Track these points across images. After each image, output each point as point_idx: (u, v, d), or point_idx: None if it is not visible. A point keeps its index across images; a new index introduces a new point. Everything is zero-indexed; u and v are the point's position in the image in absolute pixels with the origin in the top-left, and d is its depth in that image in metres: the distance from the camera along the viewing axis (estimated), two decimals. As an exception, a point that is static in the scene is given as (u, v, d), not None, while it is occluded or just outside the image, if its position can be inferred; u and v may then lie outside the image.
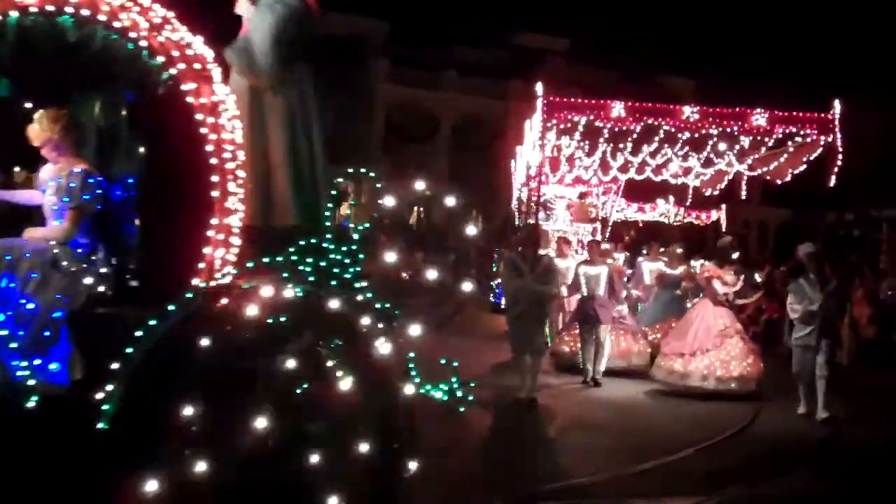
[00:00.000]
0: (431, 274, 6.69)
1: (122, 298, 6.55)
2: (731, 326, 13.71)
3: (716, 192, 18.34)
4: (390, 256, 7.22)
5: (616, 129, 13.95)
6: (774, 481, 9.00)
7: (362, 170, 7.73)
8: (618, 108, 13.61)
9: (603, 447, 10.08)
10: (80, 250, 6.39)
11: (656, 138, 14.36)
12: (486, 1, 54.52)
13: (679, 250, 16.95)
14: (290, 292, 5.86)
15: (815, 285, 12.15)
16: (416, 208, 54.15)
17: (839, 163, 13.62)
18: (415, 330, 6.77)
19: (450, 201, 8.09)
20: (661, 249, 17.38)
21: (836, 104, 13.57)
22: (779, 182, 15.74)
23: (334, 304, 5.92)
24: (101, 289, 6.44)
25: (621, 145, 14.99)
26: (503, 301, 15.17)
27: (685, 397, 13.20)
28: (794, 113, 13.93)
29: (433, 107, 51.35)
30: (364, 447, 5.63)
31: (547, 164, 16.87)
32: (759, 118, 13.79)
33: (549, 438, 10.64)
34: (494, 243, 25.96)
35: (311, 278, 6.24)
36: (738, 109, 13.84)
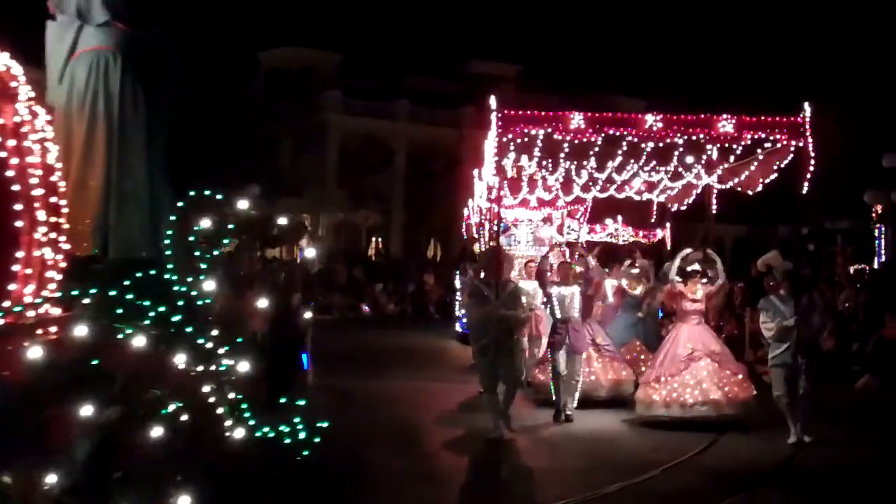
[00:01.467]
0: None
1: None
2: (702, 350, 12.46)
3: (683, 207, 17.69)
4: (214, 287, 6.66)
5: (576, 142, 13.09)
6: (740, 498, 8.98)
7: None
8: (577, 119, 12.73)
9: (571, 471, 9.99)
10: None
11: (619, 151, 13.50)
12: (436, 30, 54.73)
13: (635, 270, 16.20)
14: (84, 329, 5.31)
15: (787, 301, 11.43)
16: (374, 239, 54.32)
17: (812, 168, 12.96)
18: (243, 366, 6.37)
19: (282, 220, 7.66)
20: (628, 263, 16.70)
21: (807, 106, 12.85)
22: (750, 193, 14.86)
23: (139, 342, 5.41)
24: None
25: (585, 162, 14.10)
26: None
27: (661, 426, 12.11)
28: (763, 117, 13.10)
29: (387, 137, 51.41)
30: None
31: (506, 187, 16.58)
32: (726, 124, 12.94)
33: (518, 468, 10.37)
34: (453, 271, 25.81)
35: (119, 312, 5.68)
36: (703, 116, 13.13)
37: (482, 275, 12.21)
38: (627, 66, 49.39)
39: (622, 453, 10.77)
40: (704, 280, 13.17)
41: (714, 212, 15.60)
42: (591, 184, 15.47)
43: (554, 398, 12.87)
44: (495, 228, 16.13)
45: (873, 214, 31.06)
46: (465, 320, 16.05)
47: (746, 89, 40.84)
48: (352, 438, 10.90)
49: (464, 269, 21.26)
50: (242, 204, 7.57)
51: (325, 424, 8.59)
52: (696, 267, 13.32)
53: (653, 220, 19.64)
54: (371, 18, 53.76)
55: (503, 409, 11.49)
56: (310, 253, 34.60)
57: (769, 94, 35.17)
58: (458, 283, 22.72)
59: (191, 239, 7.29)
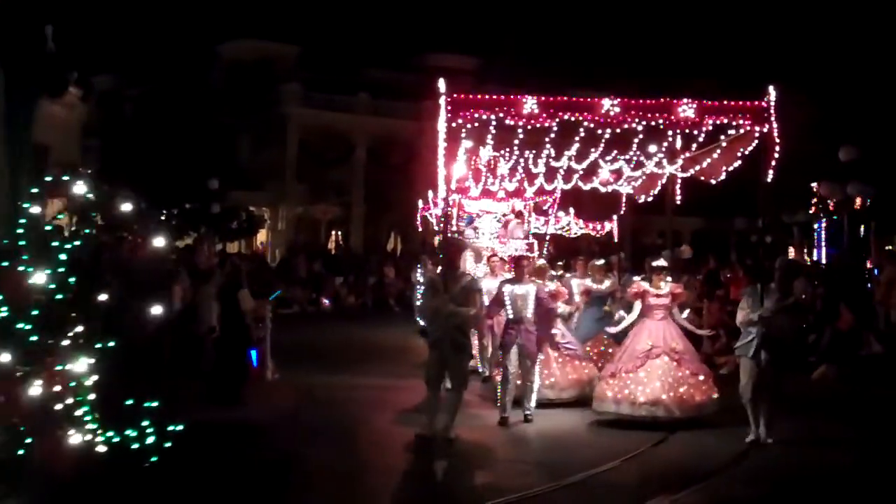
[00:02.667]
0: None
1: None
2: (662, 347, 12.02)
3: (649, 199, 16.90)
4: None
5: (531, 129, 12.46)
6: (694, 489, 9.02)
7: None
8: (529, 104, 12.03)
9: (525, 467, 9.97)
10: None
11: (577, 138, 12.88)
12: (396, 23, 54.54)
13: (600, 262, 16.15)
14: None
15: (772, 296, 11.04)
16: (334, 232, 54.17)
17: (776, 155, 12.22)
18: (81, 365, 6.05)
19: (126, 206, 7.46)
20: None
21: (772, 90, 12.24)
22: (713, 182, 14.40)
23: None
24: None
25: (545, 152, 13.58)
26: None
27: (616, 425, 11.78)
28: (725, 102, 12.50)
29: (347, 129, 51.26)
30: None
31: (468, 177, 16.36)
32: (687, 109, 12.25)
33: (458, 466, 9.97)
34: (413, 264, 25.73)
35: None
36: (662, 100, 12.44)
37: (437, 267, 11.92)
38: (588, 56, 49.27)
39: (563, 452, 10.59)
40: (669, 278, 12.90)
41: (678, 202, 15.31)
42: (556, 174, 14.94)
43: (499, 401, 12.28)
44: (450, 219, 15.91)
45: (812, 208, 31.51)
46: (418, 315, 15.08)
47: (708, 73, 40.63)
48: (300, 435, 10.96)
49: (423, 262, 21.17)
50: (80, 189, 7.23)
51: (178, 428, 8.54)
52: (662, 263, 13.13)
53: (622, 212, 19.10)
54: (330, 11, 53.44)
55: (449, 410, 10.77)
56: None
57: (732, 78, 35.15)
58: (417, 277, 22.62)
59: (47, 228, 7.03)
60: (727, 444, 10.73)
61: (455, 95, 12.08)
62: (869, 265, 18.82)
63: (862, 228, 24.41)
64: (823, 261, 27.94)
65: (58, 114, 44.14)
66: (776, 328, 10.95)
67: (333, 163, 50.71)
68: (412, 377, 12.95)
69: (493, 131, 12.63)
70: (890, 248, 23.50)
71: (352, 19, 53.78)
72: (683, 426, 11.50)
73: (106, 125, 43.29)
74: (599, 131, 12.59)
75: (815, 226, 32.49)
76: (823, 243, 31.17)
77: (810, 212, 30.67)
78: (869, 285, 18.65)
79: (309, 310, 29.10)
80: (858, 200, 22.96)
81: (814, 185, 26.61)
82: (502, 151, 14.24)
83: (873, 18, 40.61)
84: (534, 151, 13.94)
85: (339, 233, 54.28)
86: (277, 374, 14.75)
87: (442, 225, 13.44)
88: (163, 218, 38.90)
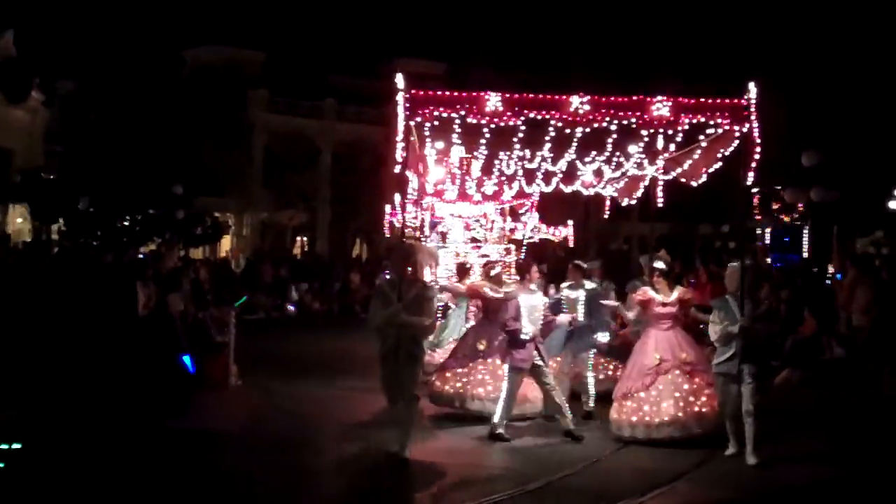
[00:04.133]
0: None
1: None
2: (671, 360, 11.17)
3: (632, 202, 16.27)
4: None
5: (497, 128, 11.75)
6: (657, 493, 8.98)
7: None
8: (493, 101, 11.36)
9: (486, 473, 9.84)
10: None
11: (547, 138, 12.19)
12: (363, 29, 54.53)
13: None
14: None
15: (745, 304, 10.35)
16: (299, 238, 54.01)
17: (757, 157, 11.51)
18: None
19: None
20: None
21: (752, 87, 11.57)
22: (693, 184, 13.80)
23: None
24: None
25: (515, 153, 12.96)
26: None
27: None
28: (702, 99, 11.75)
29: (313, 135, 51.18)
30: None
31: (434, 178, 16.05)
32: (661, 107, 11.53)
33: (429, 472, 9.75)
34: (379, 270, 25.61)
35: None
36: (635, 98, 11.72)
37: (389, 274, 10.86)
38: (561, 60, 49.14)
39: (528, 460, 10.38)
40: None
41: (660, 205, 14.81)
42: (534, 176, 14.38)
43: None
44: (423, 223, 15.62)
45: (755, 214, 31.90)
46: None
47: (685, 71, 40.53)
48: (251, 446, 10.71)
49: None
50: None
51: (16, 446, 8.35)
52: (661, 265, 12.04)
53: (606, 216, 18.69)
54: (296, 17, 53.41)
55: (403, 426, 10.13)
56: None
57: (710, 75, 35.19)
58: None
59: None
60: (693, 449, 10.52)
61: (413, 92, 11.44)
62: (831, 269, 18.95)
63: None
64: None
65: (21, 118, 43.93)
66: (755, 338, 10.28)
67: (299, 168, 50.65)
68: (377, 387, 11.40)
69: (458, 130, 12.00)
70: (857, 251, 23.70)
71: (318, 25, 53.80)
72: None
73: (69, 130, 42.97)
74: (568, 130, 11.92)
75: (759, 231, 32.89)
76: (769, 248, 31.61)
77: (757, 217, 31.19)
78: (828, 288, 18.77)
79: (274, 316, 28.93)
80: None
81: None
82: (474, 153, 13.52)
83: (832, 24, 41.03)
84: (508, 153, 13.35)
85: (305, 239, 54.14)
86: (240, 380, 14.63)
87: (399, 230, 12.95)
88: (126, 223, 38.76)
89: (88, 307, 12.53)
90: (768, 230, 32.81)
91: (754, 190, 32.11)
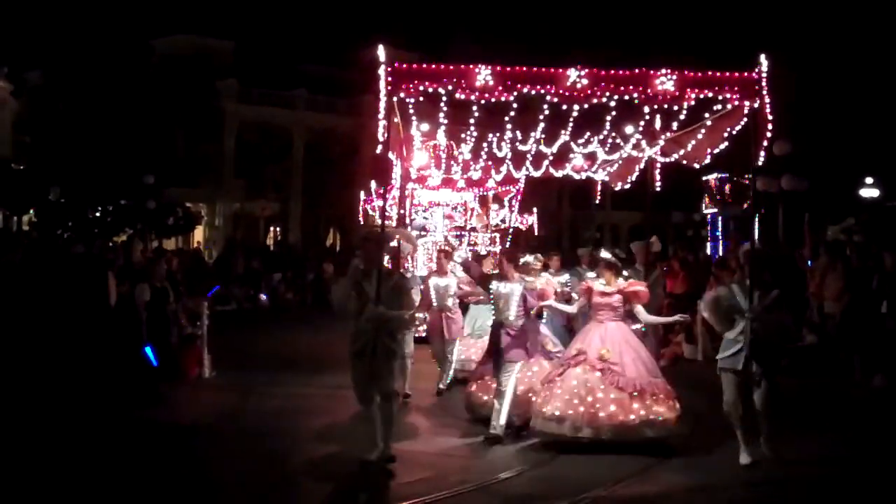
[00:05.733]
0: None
1: None
2: (587, 354, 10.26)
3: (626, 186, 15.45)
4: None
5: (487, 105, 10.90)
6: (633, 482, 8.91)
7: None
8: (483, 74, 10.42)
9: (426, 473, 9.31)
10: None
11: (541, 116, 11.35)
12: (334, 17, 54.28)
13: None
14: None
15: (748, 293, 9.47)
16: (272, 228, 53.82)
17: (769, 135, 10.68)
18: None
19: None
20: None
21: (763, 60, 10.66)
22: (696, 166, 13.04)
23: None
24: None
25: (507, 133, 12.11)
26: None
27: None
28: (710, 73, 10.82)
29: (285, 125, 51.00)
30: None
31: (432, 165, 15.68)
32: (666, 81, 10.62)
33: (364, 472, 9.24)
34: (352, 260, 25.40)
35: None
36: (637, 71, 10.76)
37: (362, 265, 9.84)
38: (554, 40, 48.54)
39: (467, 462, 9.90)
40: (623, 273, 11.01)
41: (658, 189, 14.21)
42: (524, 159, 13.80)
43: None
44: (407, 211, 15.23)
45: (705, 204, 32.12)
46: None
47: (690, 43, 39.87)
48: (215, 442, 10.52)
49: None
50: None
51: None
52: (607, 255, 11.26)
53: (597, 202, 18.28)
54: (267, 5, 53.10)
55: (384, 426, 9.40)
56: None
57: (717, 48, 34.88)
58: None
59: None
60: (635, 456, 9.74)
61: (397, 65, 10.52)
62: (804, 256, 19.01)
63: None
64: (719, 254, 28.33)
65: (-12, 109, 43.59)
66: (764, 331, 9.35)
67: (271, 158, 50.51)
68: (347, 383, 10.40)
69: (445, 109, 11.11)
70: (829, 238, 23.79)
71: (288, 13, 53.53)
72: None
73: (38, 120, 42.62)
74: (565, 107, 11.05)
75: (709, 219, 33.07)
76: (720, 236, 31.81)
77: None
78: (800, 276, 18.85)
79: (247, 307, 28.81)
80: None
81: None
82: (462, 135, 12.68)
83: (799, 13, 41.25)
84: (497, 134, 12.63)
85: (278, 229, 53.95)
86: (214, 372, 14.56)
87: (374, 217, 12.37)
88: (97, 214, 38.49)
89: (60, 299, 12.42)
90: (718, 218, 33.02)
91: (708, 178, 32.29)
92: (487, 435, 10.46)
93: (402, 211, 15.59)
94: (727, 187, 32.99)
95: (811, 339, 16.31)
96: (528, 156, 13.59)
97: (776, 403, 9.45)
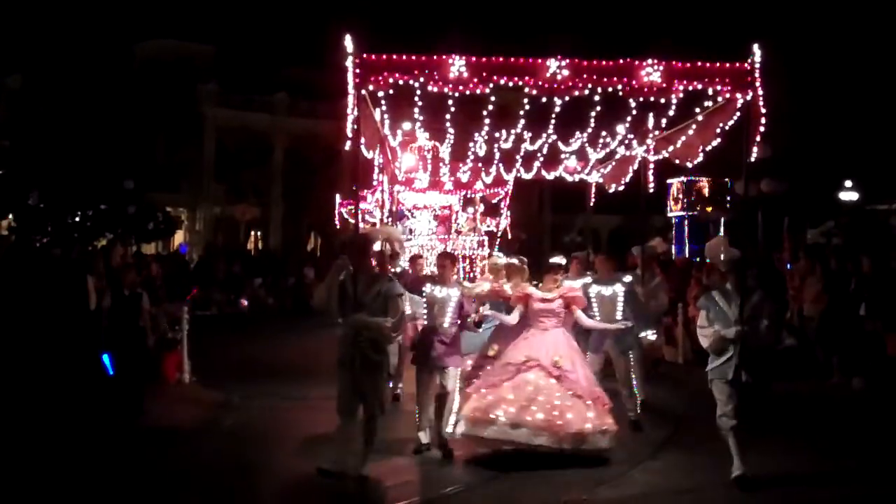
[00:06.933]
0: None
1: None
2: (539, 359, 9.80)
3: (620, 188, 14.92)
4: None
5: (464, 100, 10.28)
6: (613, 484, 8.92)
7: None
8: (457, 65, 9.81)
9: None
10: None
11: (522, 112, 10.77)
12: (314, 21, 54.15)
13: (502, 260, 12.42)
14: None
15: (733, 299, 8.94)
16: (252, 233, 53.69)
17: (762, 129, 10.07)
18: None
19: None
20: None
21: (756, 49, 10.06)
22: (689, 165, 12.46)
23: None
24: None
25: (487, 130, 11.48)
26: None
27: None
28: (700, 64, 10.19)
29: (265, 130, 50.90)
30: None
31: (421, 168, 15.32)
32: (652, 72, 10.00)
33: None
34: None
35: None
36: (622, 61, 10.14)
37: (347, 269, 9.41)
38: (535, 30, 48.03)
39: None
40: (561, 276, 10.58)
41: (651, 190, 13.83)
42: (513, 160, 13.41)
43: (416, 424, 10.24)
44: (393, 214, 14.96)
45: (671, 200, 32.20)
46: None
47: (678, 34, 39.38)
48: (194, 447, 10.43)
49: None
50: None
51: None
52: (559, 259, 11.00)
53: (591, 203, 17.72)
54: (247, 9, 52.96)
55: (365, 443, 9.00)
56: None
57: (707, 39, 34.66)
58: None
59: None
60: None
61: (365, 56, 9.95)
62: (784, 259, 19.09)
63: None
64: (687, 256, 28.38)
65: (-34, 113, 43.31)
66: (753, 338, 8.86)
67: (252, 163, 50.43)
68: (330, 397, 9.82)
69: (420, 103, 10.54)
70: (809, 241, 23.90)
71: (269, 17, 53.42)
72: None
73: (18, 124, 42.38)
74: (545, 99, 10.41)
75: (675, 220, 33.15)
76: (686, 238, 31.92)
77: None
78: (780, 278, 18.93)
79: (227, 311, 28.73)
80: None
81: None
82: (445, 133, 12.14)
83: (779, 16, 41.43)
84: (482, 132, 11.93)
85: (258, 233, 53.84)
86: (194, 377, 14.51)
87: (351, 220, 11.87)
88: (77, 219, 38.31)
89: (38, 302, 12.32)
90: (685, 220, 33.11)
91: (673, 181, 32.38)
92: (418, 446, 9.98)
93: (392, 209, 15.29)
94: (698, 189, 33.14)
95: (790, 342, 16.37)
96: (518, 157, 13.17)
97: (765, 413, 9.12)
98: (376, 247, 10.25)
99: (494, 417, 9.52)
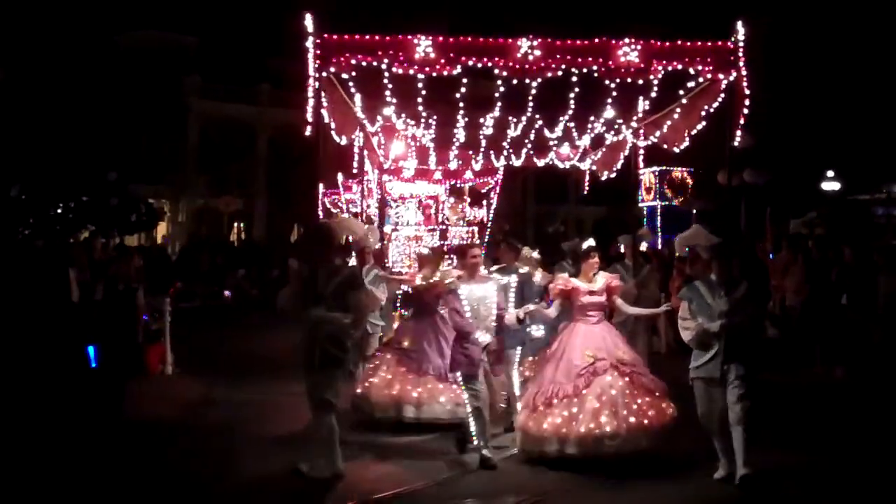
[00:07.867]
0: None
1: None
2: (608, 359, 9.04)
3: (612, 175, 14.60)
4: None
5: (435, 80, 9.65)
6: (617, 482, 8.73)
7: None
8: (423, 46, 9.26)
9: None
10: None
11: (496, 94, 10.07)
12: (298, 10, 53.92)
13: (535, 254, 11.69)
14: None
15: (717, 290, 8.43)
16: (236, 225, 53.54)
17: (746, 110, 9.70)
18: None
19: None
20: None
21: (740, 27, 9.65)
22: (676, 150, 12.02)
23: None
24: None
25: (474, 119, 11.00)
26: None
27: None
28: (679, 42, 9.72)
29: (249, 121, 50.73)
30: None
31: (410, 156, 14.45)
32: (630, 52, 9.51)
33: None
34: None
35: None
36: (597, 41, 9.63)
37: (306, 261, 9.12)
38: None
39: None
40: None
41: (640, 178, 13.87)
42: (500, 147, 13.01)
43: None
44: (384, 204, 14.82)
45: (644, 190, 32.32)
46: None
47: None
48: (177, 439, 10.42)
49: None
50: None
51: None
52: (592, 242, 10.22)
53: (585, 192, 17.56)
54: (230, 0, 52.65)
55: (326, 438, 8.67)
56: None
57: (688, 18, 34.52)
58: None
59: None
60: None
61: (326, 36, 9.55)
62: (766, 249, 19.16)
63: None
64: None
65: (-53, 105, 43.02)
66: (739, 331, 8.36)
67: (235, 154, 50.23)
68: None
69: (390, 85, 9.92)
70: (791, 232, 23.98)
71: (252, 8, 53.12)
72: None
73: (-2, 117, 42.16)
74: (515, 81, 9.81)
75: (646, 211, 33.28)
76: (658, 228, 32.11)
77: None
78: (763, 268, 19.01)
79: (210, 303, 28.64)
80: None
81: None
82: (426, 121, 11.56)
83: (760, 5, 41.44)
84: (463, 119, 11.37)
85: (242, 225, 53.68)
86: (178, 369, 14.49)
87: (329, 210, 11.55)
88: (59, 211, 38.12)
89: (20, 294, 12.26)
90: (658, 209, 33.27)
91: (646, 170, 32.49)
92: (483, 458, 9.15)
93: (381, 197, 15.05)
94: (671, 179, 33.29)
95: (773, 332, 16.43)
96: (505, 143, 12.69)
97: (754, 411, 8.43)
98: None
99: (584, 432, 8.75)
